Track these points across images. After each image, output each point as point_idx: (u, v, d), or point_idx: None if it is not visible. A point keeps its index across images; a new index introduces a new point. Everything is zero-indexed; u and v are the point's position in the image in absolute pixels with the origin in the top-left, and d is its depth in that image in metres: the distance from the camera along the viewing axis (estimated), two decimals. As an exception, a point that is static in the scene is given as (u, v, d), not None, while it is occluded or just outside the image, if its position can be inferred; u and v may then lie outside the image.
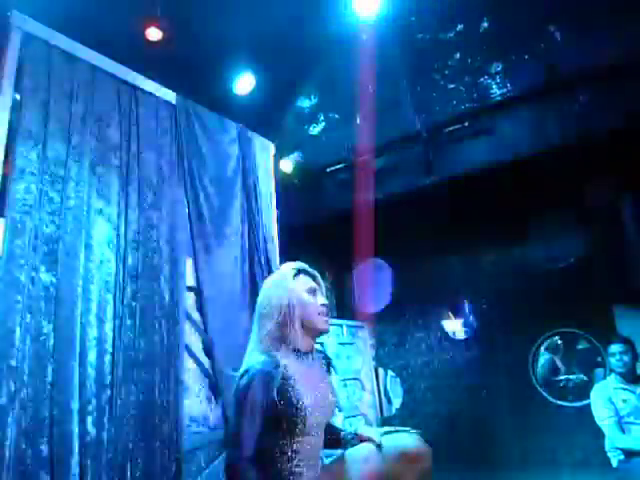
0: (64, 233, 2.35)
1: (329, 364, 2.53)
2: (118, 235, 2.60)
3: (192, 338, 2.97)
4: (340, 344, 5.28)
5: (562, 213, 4.84)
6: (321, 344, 4.97)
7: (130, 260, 2.61)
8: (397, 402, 5.58)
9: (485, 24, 4.49)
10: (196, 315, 3.01)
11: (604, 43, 3.91)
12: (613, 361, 3.62)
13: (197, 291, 3.02)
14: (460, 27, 4.61)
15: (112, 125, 2.75)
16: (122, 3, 3.88)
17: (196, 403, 2.94)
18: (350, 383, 5.34)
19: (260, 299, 2.03)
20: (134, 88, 2.92)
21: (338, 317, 5.93)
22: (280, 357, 1.88)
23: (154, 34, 3.99)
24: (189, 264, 3.01)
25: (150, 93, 3.03)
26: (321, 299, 2.03)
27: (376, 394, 5.59)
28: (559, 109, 4.01)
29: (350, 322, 5.61)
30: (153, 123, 3.00)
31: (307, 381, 1.89)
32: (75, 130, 2.52)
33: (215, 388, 3.01)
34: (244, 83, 4.83)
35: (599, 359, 4.55)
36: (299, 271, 2.06)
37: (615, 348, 3.61)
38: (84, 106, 2.60)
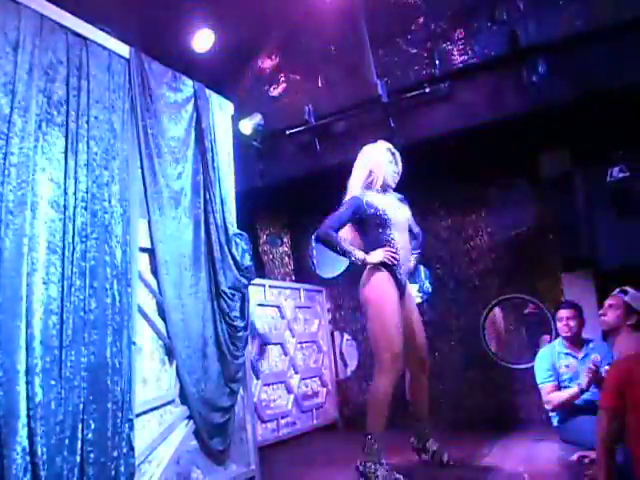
0: (7, 191, 2.25)
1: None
2: (66, 194, 2.50)
3: (146, 300, 2.94)
4: (297, 307, 5.33)
5: (517, 182, 4.94)
6: (278, 307, 5.02)
7: (79, 220, 2.52)
8: (353, 364, 5.70)
9: (449, -11, 4.44)
10: (150, 277, 2.97)
11: (566, 15, 3.93)
12: (560, 325, 3.77)
13: (151, 253, 2.97)
14: (424, -9, 4.56)
15: (60, 79, 2.61)
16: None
17: (149, 365, 2.93)
18: (307, 346, 5.42)
19: (360, 160, 3.51)
20: (85, 40, 2.77)
21: (296, 281, 5.97)
22: (366, 194, 3.37)
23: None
24: (142, 225, 2.94)
25: (103, 46, 2.88)
26: (395, 167, 3.49)
27: (332, 357, 5.69)
28: (518, 78, 4.03)
29: (308, 286, 5.65)
30: (105, 78, 2.86)
31: (384, 202, 3.36)
32: (20, 83, 2.38)
33: (169, 351, 2.99)
34: (203, 40, 4.67)
35: (547, 325, 4.72)
36: (387, 149, 3.50)
37: (563, 313, 3.76)
38: (30, 57, 2.46)
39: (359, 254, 3.24)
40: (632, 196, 4.05)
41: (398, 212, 3.43)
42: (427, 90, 4.32)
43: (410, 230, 3.56)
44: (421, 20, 4.55)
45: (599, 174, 4.20)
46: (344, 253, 3.25)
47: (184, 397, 3.00)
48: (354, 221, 3.37)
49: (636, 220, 4.00)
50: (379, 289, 3.23)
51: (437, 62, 4.34)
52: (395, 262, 3.25)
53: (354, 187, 3.44)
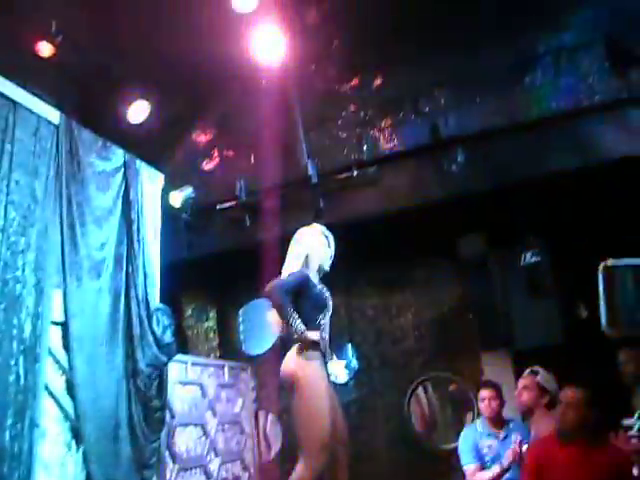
0: None
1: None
2: (-25, 262, 2.36)
3: (54, 377, 2.74)
4: (220, 386, 5.12)
5: (439, 263, 5.14)
6: (200, 385, 4.81)
7: (-12, 289, 2.38)
8: (277, 446, 5.48)
9: (378, 81, 4.77)
10: (61, 352, 2.78)
11: (482, 111, 4.30)
12: (482, 406, 3.81)
13: (64, 326, 2.80)
14: (355, 81, 4.86)
15: (-18, 141, 2.54)
16: (10, 15, 3.65)
17: (53, 449, 2.69)
18: (229, 427, 5.18)
19: (297, 242, 3.38)
20: (13, 103, 2.73)
21: (221, 357, 5.78)
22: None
23: (45, 49, 3.75)
24: (58, 296, 2.80)
25: (31, 110, 2.84)
26: (329, 252, 3.41)
27: (255, 438, 5.46)
28: (438, 167, 4.30)
29: (232, 363, 5.48)
30: (31, 142, 2.81)
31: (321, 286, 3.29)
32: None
33: (77, 433, 2.77)
34: (138, 111, 4.69)
35: (469, 403, 4.77)
36: (322, 233, 3.44)
37: (485, 393, 3.81)
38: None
39: (300, 325, 3.02)
40: (543, 279, 4.30)
41: (329, 298, 3.36)
42: (355, 174, 4.51)
43: None
44: (351, 107, 4.82)
45: (513, 258, 4.45)
46: (287, 318, 3.04)
47: (90, 486, 2.76)
48: (294, 296, 3.18)
49: (547, 302, 4.23)
50: (311, 369, 3.01)
51: (365, 147, 4.57)
52: (325, 348, 3.15)
53: (289, 269, 3.32)
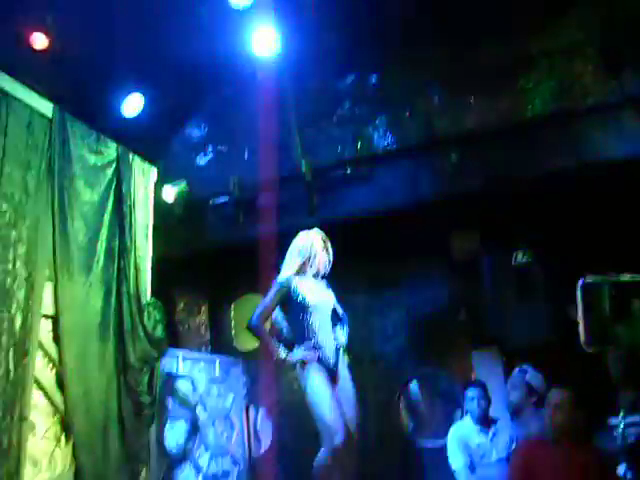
0: None
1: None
2: (-34, 254, 2.35)
3: (44, 371, 2.73)
4: (211, 380, 5.13)
5: (432, 262, 5.16)
6: (191, 380, 4.81)
7: (-22, 282, 2.37)
8: (267, 442, 5.49)
9: (374, 79, 4.77)
10: (51, 346, 2.78)
11: (476, 111, 4.31)
12: (469, 404, 3.84)
13: (55, 320, 2.80)
14: (351, 78, 4.86)
15: (-27, 133, 2.52)
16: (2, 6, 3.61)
17: (42, 443, 2.69)
18: (219, 421, 5.18)
19: (296, 246, 3.55)
20: (6, 95, 2.71)
21: (213, 352, 5.78)
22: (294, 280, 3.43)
23: (40, 42, 3.71)
24: (49, 289, 2.79)
25: (24, 102, 2.83)
26: (328, 256, 3.56)
27: (246, 433, 5.47)
28: (432, 166, 4.32)
29: (224, 357, 5.48)
30: (23, 134, 2.80)
31: (313, 288, 3.45)
32: None
33: (67, 427, 2.77)
34: (132, 104, 4.66)
35: (459, 401, 4.80)
36: (321, 237, 3.58)
37: (472, 392, 3.84)
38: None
39: (282, 354, 3.34)
40: (534, 279, 4.32)
41: (322, 298, 3.55)
42: (349, 171, 4.51)
43: (335, 312, 3.65)
44: (346, 104, 4.81)
45: (505, 257, 4.48)
46: (268, 348, 3.41)
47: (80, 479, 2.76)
48: (281, 305, 3.50)
49: (538, 302, 4.26)
50: (308, 377, 3.34)
51: (359, 145, 4.57)
52: (315, 359, 3.35)
53: (287, 271, 3.54)
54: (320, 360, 3.39)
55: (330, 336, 3.53)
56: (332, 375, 3.44)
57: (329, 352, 3.46)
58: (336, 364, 3.49)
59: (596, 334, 2.36)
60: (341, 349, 3.53)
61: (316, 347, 3.39)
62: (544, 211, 4.32)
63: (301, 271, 3.56)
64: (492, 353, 4.68)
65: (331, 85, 4.92)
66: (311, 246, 3.59)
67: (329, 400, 3.29)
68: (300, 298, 3.43)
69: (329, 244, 3.65)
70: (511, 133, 4.19)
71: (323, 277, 3.67)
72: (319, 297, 3.53)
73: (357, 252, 4.93)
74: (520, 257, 4.37)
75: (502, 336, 4.36)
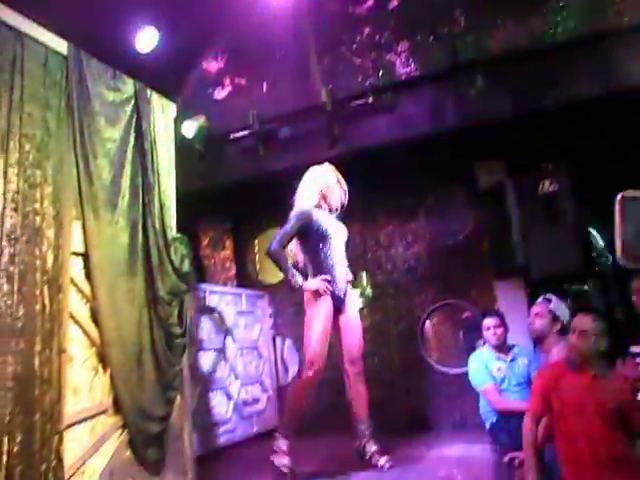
0: None
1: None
2: (-6, 194, 2.39)
3: (78, 306, 2.83)
4: (239, 313, 5.28)
5: (455, 191, 5.11)
6: (219, 313, 4.96)
7: (8, 222, 2.41)
8: (294, 370, 5.69)
9: (395, 2, 4.54)
10: (83, 282, 2.86)
11: (503, 33, 4.10)
12: (488, 334, 3.89)
13: (85, 257, 2.86)
14: (371, 2, 4.63)
15: (-8, 72, 2.49)
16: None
17: (81, 374, 2.82)
18: (248, 352, 5.37)
19: (309, 180, 3.72)
20: (20, 34, 2.66)
21: (238, 286, 5.91)
22: (314, 212, 3.61)
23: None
24: (77, 228, 2.84)
25: (39, 41, 2.77)
26: (341, 191, 3.74)
27: (273, 362, 5.67)
28: (457, 92, 4.17)
29: (249, 291, 5.61)
30: (40, 74, 2.75)
31: (329, 221, 3.64)
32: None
33: (103, 359, 2.89)
34: (147, 39, 4.55)
35: (481, 331, 4.86)
36: (334, 173, 3.74)
37: (488, 322, 3.88)
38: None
39: (298, 280, 3.51)
40: (561, 208, 4.25)
41: (339, 231, 3.73)
42: (370, 100, 4.39)
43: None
44: (366, 31, 4.62)
45: (531, 186, 4.39)
46: (286, 274, 3.53)
47: (118, 407, 2.91)
48: (300, 235, 3.64)
49: (564, 231, 4.20)
50: (314, 302, 3.55)
51: (381, 73, 4.43)
52: (328, 292, 3.53)
53: (303, 204, 3.67)
54: (332, 293, 3.56)
55: (344, 269, 3.71)
56: (339, 306, 3.64)
57: (341, 284, 3.65)
58: (345, 296, 3.69)
59: (632, 249, 2.33)
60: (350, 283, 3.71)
61: (331, 281, 3.56)
62: (573, 138, 4.19)
63: (319, 205, 3.70)
64: (515, 283, 4.69)
65: (350, 10, 4.71)
66: (326, 180, 3.71)
67: (320, 334, 3.49)
68: (322, 228, 3.58)
69: (342, 179, 3.76)
70: (540, 57, 4.00)
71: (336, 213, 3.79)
72: (337, 231, 3.69)
73: (379, 183, 4.89)
74: (547, 185, 4.28)
75: (526, 266, 4.34)
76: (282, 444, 3.46)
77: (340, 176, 3.77)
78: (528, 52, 3.99)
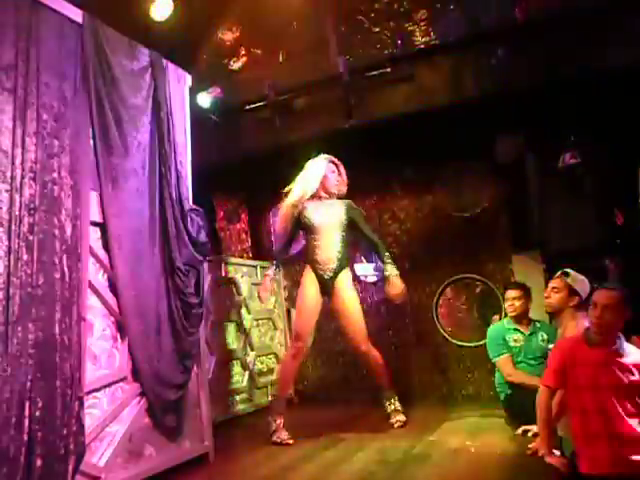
0: (-51, 159, 2.14)
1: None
2: (13, 164, 2.40)
3: (97, 276, 2.86)
4: (254, 284, 5.31)
5: (473, 164, 5.03)
6: (235, 284, 5.00)
7: (27, 191, 2.43)
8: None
9: (413, -31, 4.41)
10: (102, 252, 2.89)
11: (525, 0, 3.97)
12: (506, 305, 3.91)
13: (103, 227, 2.89)
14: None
15: (7, 43, 2.47)
16: None
17: (101, 342, 2.87)
18: (262, 322, 5.42)
19: (304, 174, 4.02)
20: (35, 3, 2.63)
21: (253, 258, 5.94)
22: (301, 206, 4.00)
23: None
24: (94, 197, 2.86)
25: (54, 10, 2.74)
26: (337, 177, 4.07)
27: (287, 333, 5.72)
28: (477, 62, 4.08)
29: (264, 263, 5.62)
30: (56, 43, 2.73)
31: (318, 210, 3.98)
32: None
33: (121, 327, 2.94)
34: (161, 8, 4.49)
35: (497, 305, 4.86)
36: (329, 161, 4.05)
37: (510, 293, 3.89)
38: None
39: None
40: (581, 182, 4.18)
41: (328, 218, 3.98)
42: (388, 70, 4.31)
43: (354, 230, 4.07)
44: (384, -1, 4.51)
45: (551, 159, 4.31)
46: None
47: (137, 374, 2.96)
48: (294, 227, 4.08)
49: (583, 205, 4.14)
50: (302, 284, 4.01)
51: (399, 42, 4.33)
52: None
53: (296, 196, 4.00)
54: (317, 274, 3.93)
55: (334, 254, 3.94)
56: (326, 289, 3.94)
57: (326, 268, 3.92)
58: (332, 279, 3.85)
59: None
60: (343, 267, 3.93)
61: (313, 262, 3.93)
62: (596, 111, 4.08)
63: (313, 195, 4.01)
64: (533, 257, 4.65)
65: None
66: (319, 171, 4.00)
67: (303, 312, 3.93)
68: (307, 221, 3.96)
69: (341, 166, 4.06)
70: (564, 25, 3.87)
71: (339, 198, 4.08)
72: (326, 218, 3.95)
73: (396, 155, 4.84)
74: (567, 159, 4.20)
75: (545, 240, 4.30)
76: (277, 421, 3.79)
77: (338, 162, 4.06)
78: (550, 21, 3.87)
